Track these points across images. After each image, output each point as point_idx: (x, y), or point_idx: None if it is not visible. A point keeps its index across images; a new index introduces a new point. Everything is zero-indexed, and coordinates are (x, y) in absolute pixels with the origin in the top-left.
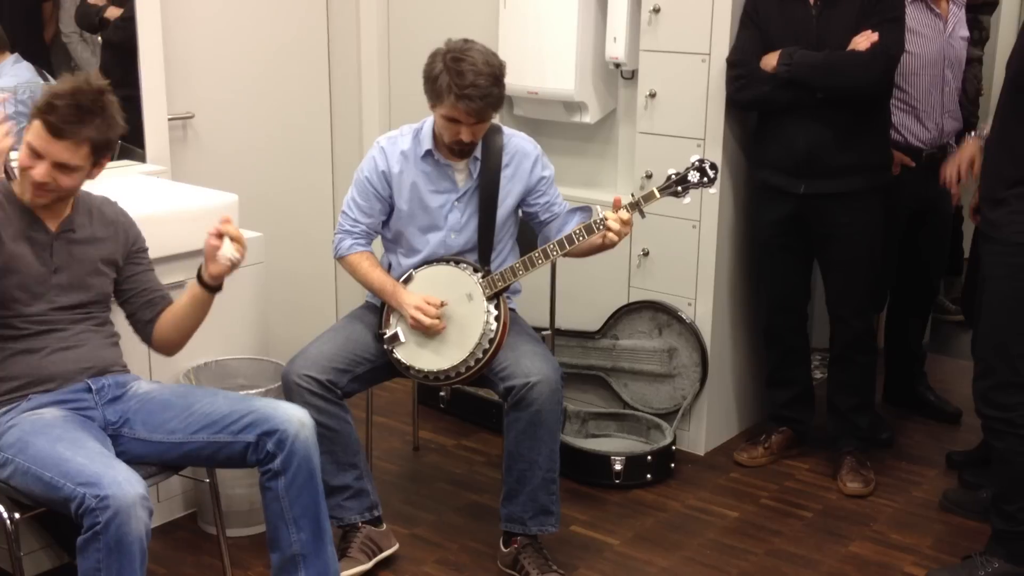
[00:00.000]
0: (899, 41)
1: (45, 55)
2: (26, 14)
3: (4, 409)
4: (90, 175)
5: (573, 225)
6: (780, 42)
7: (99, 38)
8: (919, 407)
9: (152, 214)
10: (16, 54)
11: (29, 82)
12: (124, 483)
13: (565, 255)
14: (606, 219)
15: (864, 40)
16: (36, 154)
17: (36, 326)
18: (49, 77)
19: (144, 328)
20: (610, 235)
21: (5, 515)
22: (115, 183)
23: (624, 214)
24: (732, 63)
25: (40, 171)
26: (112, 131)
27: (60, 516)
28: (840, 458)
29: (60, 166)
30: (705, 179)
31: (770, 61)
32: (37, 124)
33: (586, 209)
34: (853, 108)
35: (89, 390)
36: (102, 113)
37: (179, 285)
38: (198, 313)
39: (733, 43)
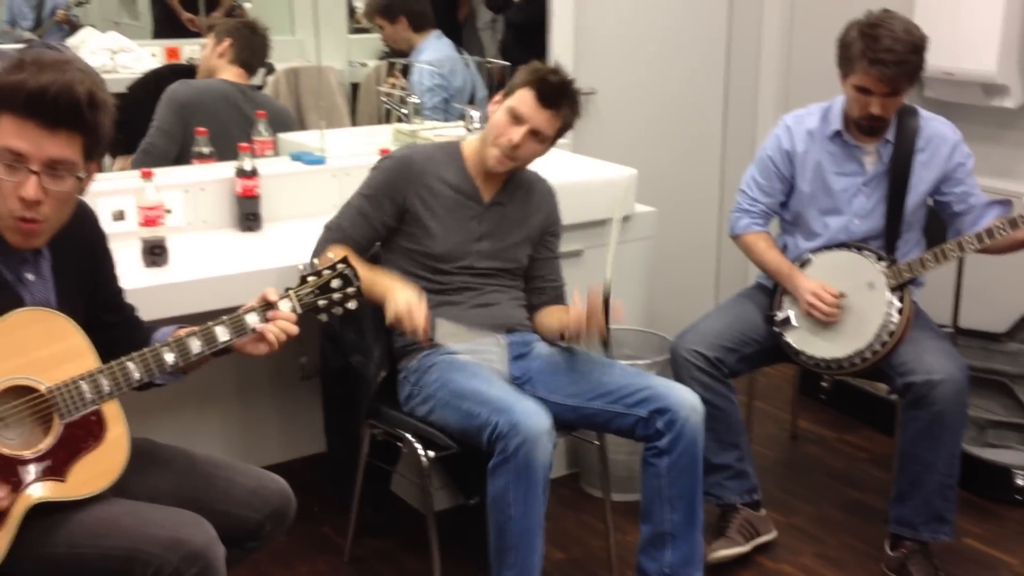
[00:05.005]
0: None
1: (456, 36)
2: None
3: (426, 351)
4: (540, 152)
5: (990, 219)
6: None
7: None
8: None
9: (554, 185)
10: (439, 31)
11: (449, 57)
12: (534, 414)
13: (981, 250)
14: None
15: None
16: (517, 119)
17: (456, 283)
18: (466, 55)
19: (529, 310)
20: None
21: (421, 452)
22: None
23: None
24: None
25: (517, 135)
26: (573, 118)
27: (463, 458)
28: None
29: (536, 133)
30: None
31: None
32: (526, 92)
33: (1006, 202)
34: None
35: (498, 344)
36: (573, 101)
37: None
38: None
39: None
